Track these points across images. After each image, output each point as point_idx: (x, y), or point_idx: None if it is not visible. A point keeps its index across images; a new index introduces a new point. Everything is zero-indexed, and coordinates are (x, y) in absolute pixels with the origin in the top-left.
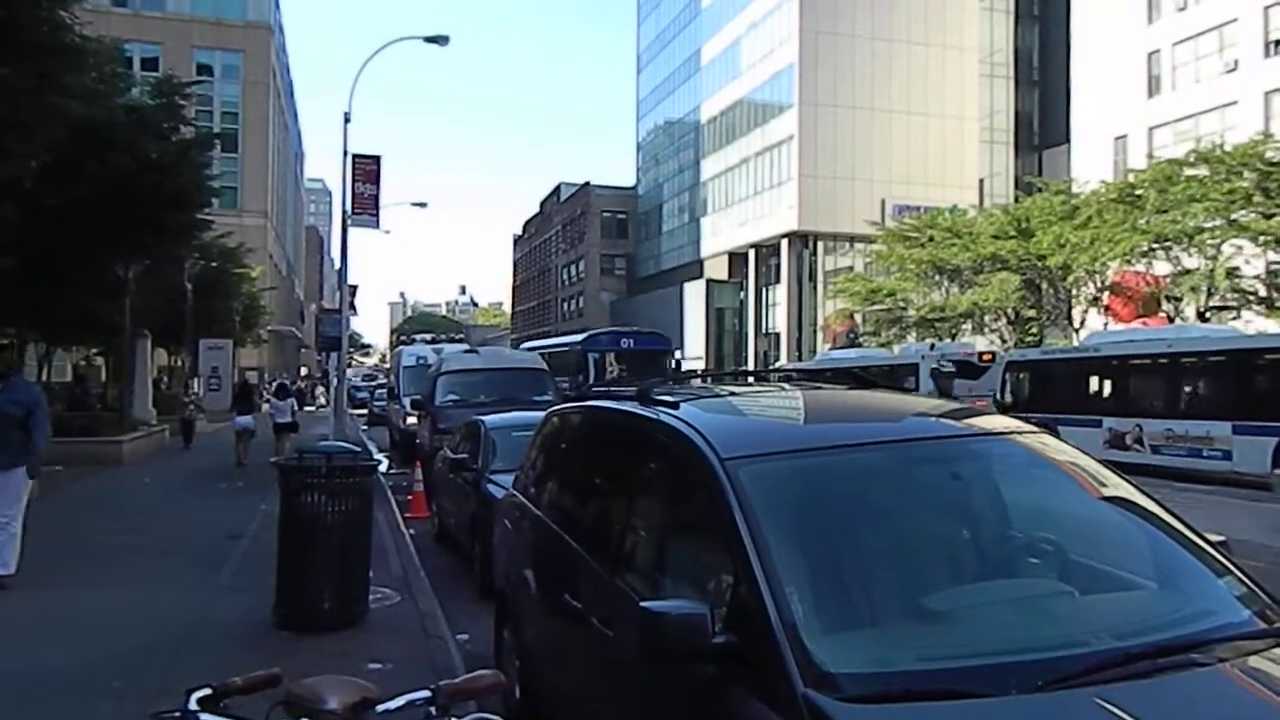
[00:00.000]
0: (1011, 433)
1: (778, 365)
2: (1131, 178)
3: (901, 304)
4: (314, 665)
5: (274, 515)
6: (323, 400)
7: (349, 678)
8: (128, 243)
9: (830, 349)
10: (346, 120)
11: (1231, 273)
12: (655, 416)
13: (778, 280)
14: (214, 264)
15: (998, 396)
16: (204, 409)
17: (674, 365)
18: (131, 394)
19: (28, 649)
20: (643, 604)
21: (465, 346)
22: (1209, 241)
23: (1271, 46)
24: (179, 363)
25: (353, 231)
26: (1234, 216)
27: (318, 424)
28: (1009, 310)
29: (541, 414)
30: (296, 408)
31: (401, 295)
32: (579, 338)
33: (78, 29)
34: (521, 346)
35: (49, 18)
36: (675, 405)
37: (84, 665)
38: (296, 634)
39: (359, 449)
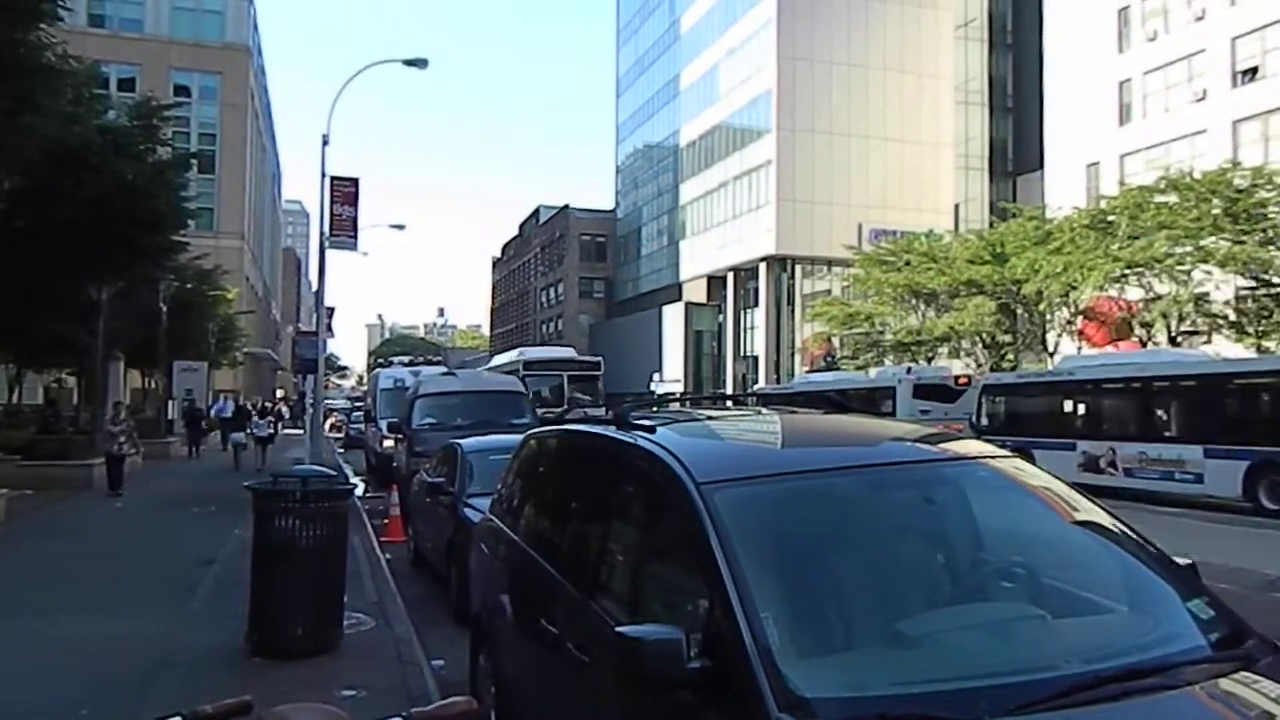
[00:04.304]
0: (985, 457)
1: (756, 388)
2: (1103, 204)
3: (878, 328)
4: (287, 692)
5: (247, 540)
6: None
7: (323, 705)
8: (102, 265)
9: (808, 372)
10: (325, 143)
11: (1201, 299)
12: (632, 441)
13: (756, 303)
14: (189, 286)
15: (974, 420)
16: (138, 443)
17: None
18: (103, 417)
19: None
20: (618, 629)
21: (443, 369)
22: (1179, 268)
23: (1239, 77)
24: (153, 384)
25: (331, 253)
26: (1203, 243)
27: (293, 447)
28: (984, 334)
29: (519, 437)
30: (275, 426)
31: (379, 317)
32: None
33: (56, 48)
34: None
35: (25, 38)
36: (652, 429)
37: (51, 695)
38: (269, 660)
39: (334, 473)
